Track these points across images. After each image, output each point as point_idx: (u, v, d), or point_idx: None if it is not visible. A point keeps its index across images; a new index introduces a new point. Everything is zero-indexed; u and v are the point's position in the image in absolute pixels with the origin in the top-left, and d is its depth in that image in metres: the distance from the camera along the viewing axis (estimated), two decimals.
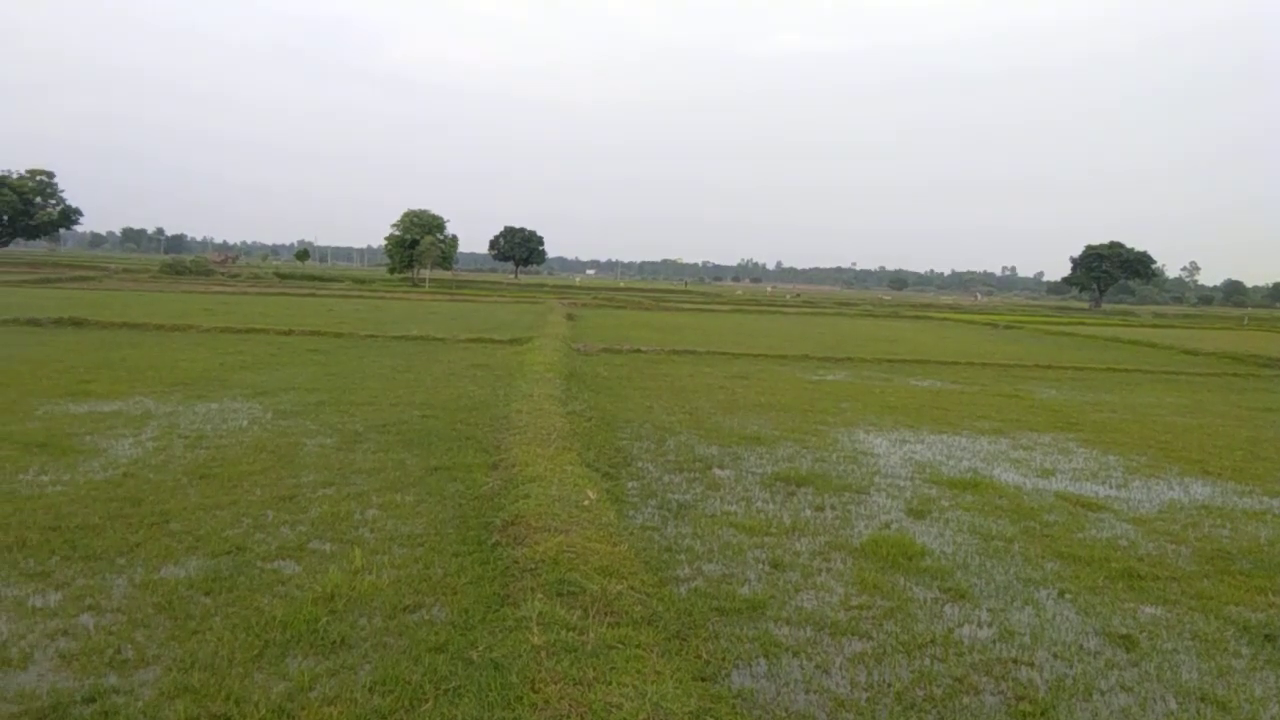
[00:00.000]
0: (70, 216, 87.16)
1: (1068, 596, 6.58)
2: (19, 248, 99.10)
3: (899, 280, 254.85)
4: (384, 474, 9.01)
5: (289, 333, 24.47)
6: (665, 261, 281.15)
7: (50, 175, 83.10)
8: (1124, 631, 5.95)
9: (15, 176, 79.98)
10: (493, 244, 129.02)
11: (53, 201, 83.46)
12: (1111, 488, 10.29)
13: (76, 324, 24.26)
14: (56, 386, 13.55)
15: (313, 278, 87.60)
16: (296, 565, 6.28)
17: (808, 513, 8.45)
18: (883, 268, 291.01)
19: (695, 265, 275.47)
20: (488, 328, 28.98)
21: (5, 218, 79.06)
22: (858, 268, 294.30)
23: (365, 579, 5.98)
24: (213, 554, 6.39)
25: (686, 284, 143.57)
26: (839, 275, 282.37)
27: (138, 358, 17.76)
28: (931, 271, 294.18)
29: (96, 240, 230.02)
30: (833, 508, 8.67)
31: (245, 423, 11.44)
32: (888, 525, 8.17)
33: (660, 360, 22.18)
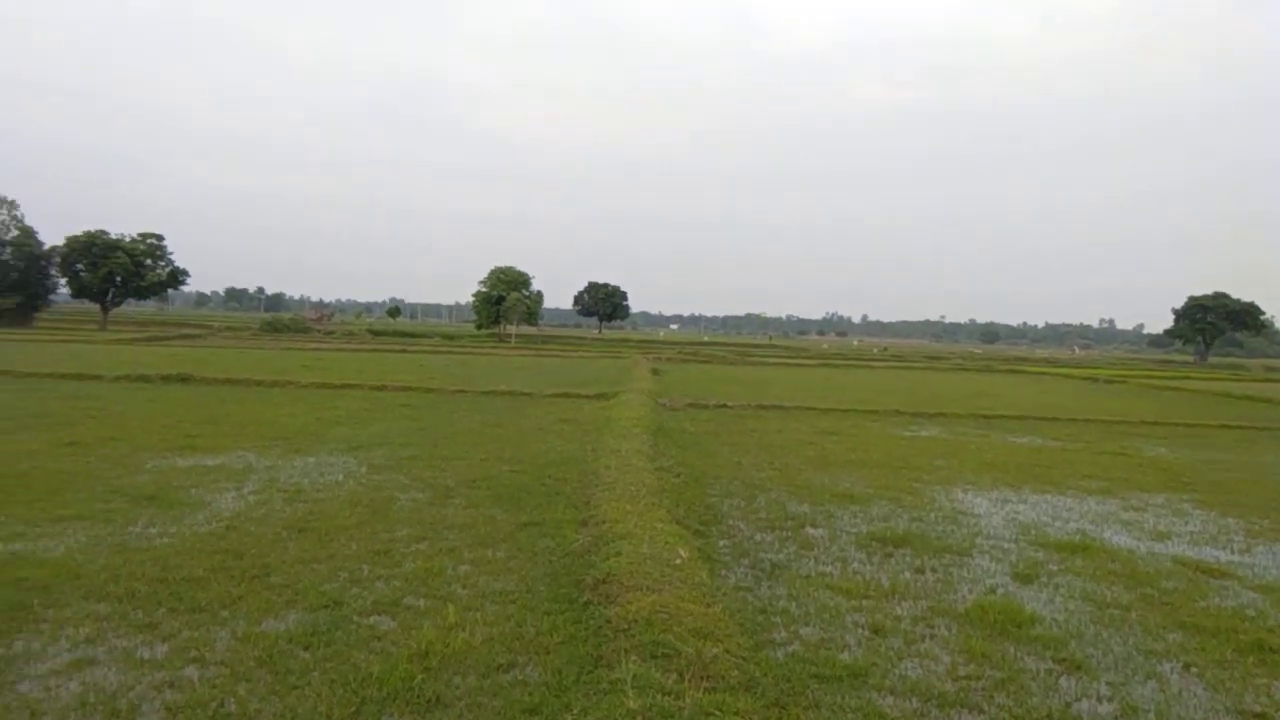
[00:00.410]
0: (178, 277, 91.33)
1: (1194, 670, 6.16)
2: (130, 307, 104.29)
3: (990, 333, 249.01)
4: (475, 529, 9.05)
5: (382, 388, 25.05)
6: (749, 315, 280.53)
7: (160, 238, 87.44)
8: (1258, 710, 5.54)
9: (128, 240, 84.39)
10: (577, 299, 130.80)
11: (162, 263, 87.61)
12: (1234, 553, 9.69)
13: (183, 380, 25.27)
14: (165, 441, 14.07)
15: (403, 334, 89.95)
16: (391, 621, 6.30)
17: (907, 575, 8.16)
18: (973, 320, 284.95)
19: (779, 319, 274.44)
20: (573, 383, 29.20)
21: (119, 279, 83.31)
22: (946, 321, 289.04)
23: (459, 636, 5.96)
24: (311, 608, 6.47)
25: (771, 338, 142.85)
26: (927, 329, 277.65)
27: (240, 413, 18.37)
28: (1025, 324, 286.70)
29: (202, 299, 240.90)
30: (933, 570, 8.36)
31: (341, 477, 11.66)
32: (993, 590, 7.83)
33: (747, 415, 21.97)
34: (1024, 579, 8.23)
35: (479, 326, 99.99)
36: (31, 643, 5.63)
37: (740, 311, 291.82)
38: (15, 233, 79.91)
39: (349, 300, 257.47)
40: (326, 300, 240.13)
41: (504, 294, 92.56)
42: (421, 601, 6.73)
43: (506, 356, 52.63)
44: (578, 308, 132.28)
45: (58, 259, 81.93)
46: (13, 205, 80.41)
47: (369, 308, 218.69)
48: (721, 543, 9.04)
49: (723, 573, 7.91)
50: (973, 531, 10.06)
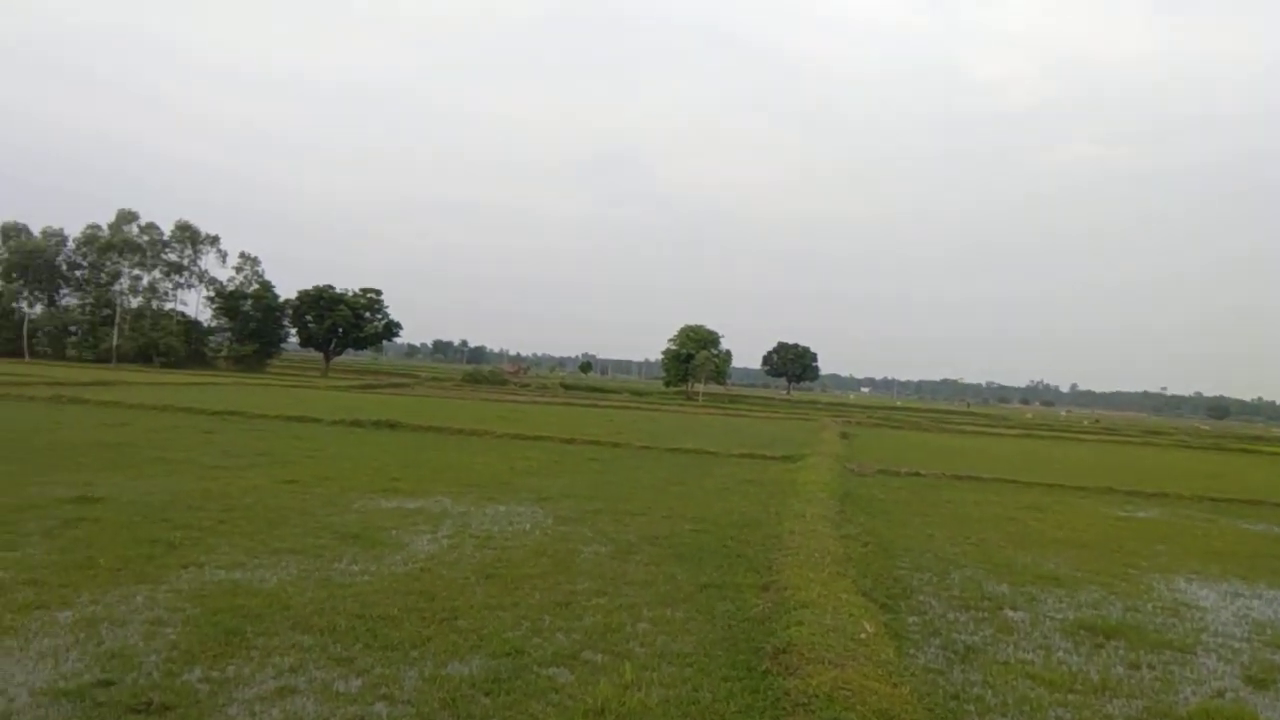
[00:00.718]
0: (392, 329, 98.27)
1: None
2: (349, 356, 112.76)
3: (1219, 408, 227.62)
4: (655, 587, 9.02)
5: (571, 441, 25.71)
6: (945, 381, 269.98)
7: (378, 293, 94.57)
8: None
9: (351, 294, 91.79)
10: (766, 360, 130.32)
11: (379, 316, 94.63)
12: None
13: (391, 426, 26.90)
14: (371, 483, 14.96)
15: (594, 389, 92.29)
16: (569, 674, 6.34)
17: (1120, 670, 7.43)
18: (1199, 393, 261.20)
19: (978, 385, 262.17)
20: (759, 443, 28.90)
21: (340, 330, 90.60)
22: (1168, 393, 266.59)
23: (634, 695, 5.91)
24: (494, 654, 6.60)
25: (969, 405, 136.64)
26: (1145, 400, 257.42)
27: (439, 459, 19.31)
28: (1260, 399, 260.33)
29: (412, 351, 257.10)
30: (1150, 667, 7.58)
31: (528, 526, 11.97)
32: (1221, 694, 7.00)
33: (941, 485, 20.98)
34: (1258, 684, 7.32)
35: (667, 384, 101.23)
36: (242, 668, 6.03)
37: (936, 376, 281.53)
38: (256, 286, 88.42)
39: (544, 355, 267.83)
40: (523, 354, 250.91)
41: (693, 352, 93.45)
42: (600, 656, 6.74)
43: (693, 414, 52.90)
44: (766, 368, 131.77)
45: (290, 311, 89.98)
46: (255, 261, 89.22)
47: (562, 362, 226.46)
48: (910, 619, 8.58)
49: (911, 651, 7.49)
50: (1197, 626, 9.07)
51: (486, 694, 5.85)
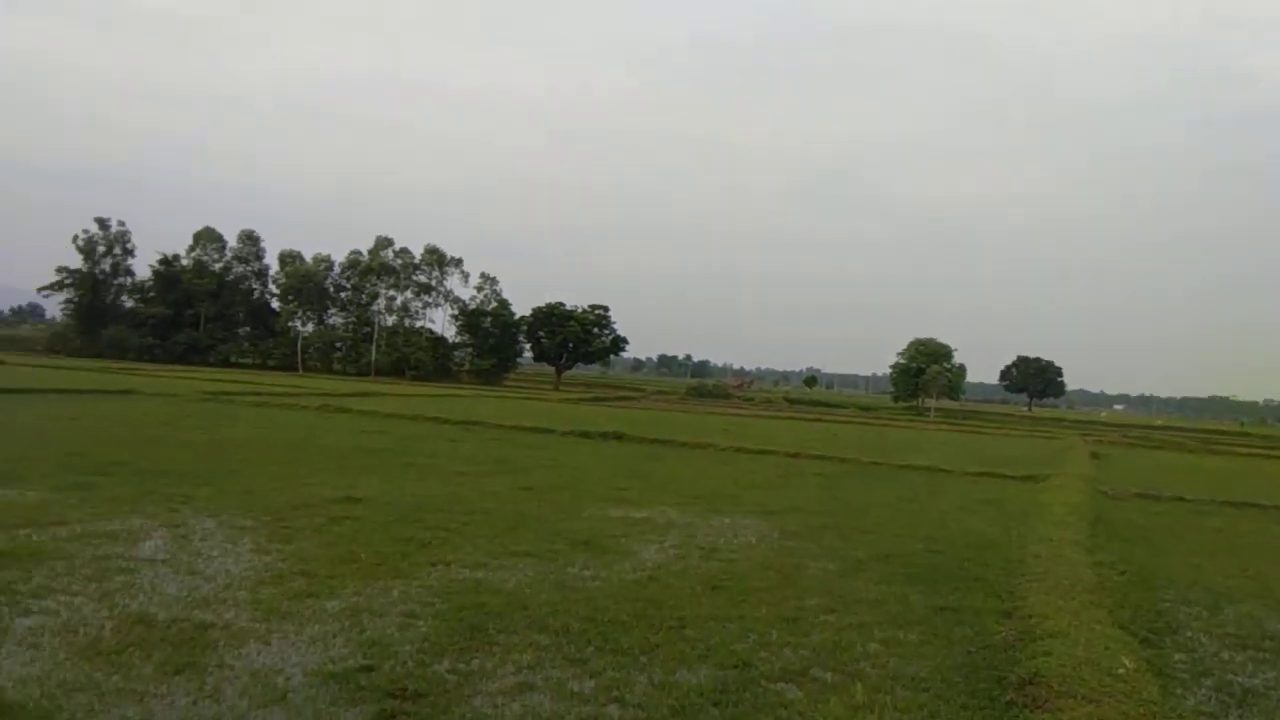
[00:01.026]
0: (619, 344, 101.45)
1: None
2: (579, 370, 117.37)
3: None
4: (886, 607, 8.69)
5: (796, 455, 25.39)
6: (1213, 398, 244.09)
7: (605, 309, 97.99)
8: None
9: (580, 310, 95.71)
10: (1004, 374, 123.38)
11: (606, 331, 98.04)
12: None
13: (618, 437, 27.66)
14: (599, 492, 15.42)
15: (819, 403, 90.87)
16: (798, 690, 6.21)
17: None
18: None
19: (1254, 403, 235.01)
20: (998, 462, 27.31)
21: (571, 345, 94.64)
22: None
23: (867, 717, 5.71)
24: (721, 665, 6.59)
25: (1243, 424, 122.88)
26: None
27: (664, 471, 19.64)
28: None
29: (638, 365, 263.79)
30: None
31: (754, 540, 11.90)
32: None
33: (1212, 512, 18.94)
34: None
35: (896, 399, 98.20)
36: (485, 662, 6.36)
37: (1203, 393, 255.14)
38: (494, 304, 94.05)
39: (767, 369, 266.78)
40: (747, 369, 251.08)
41: (923, 366, 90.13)
42: (829, 675, 6.57)
43: (924, 430, 50.90)
44: (1004, 383, 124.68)
45: (525, 327, 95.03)
46: (494, 281, 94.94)
47: (786, 376, 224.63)
48: (1176, 656, 7.78)
49: (1178, 692, 6.78)
50: None
51: (715, 704, 5.84)
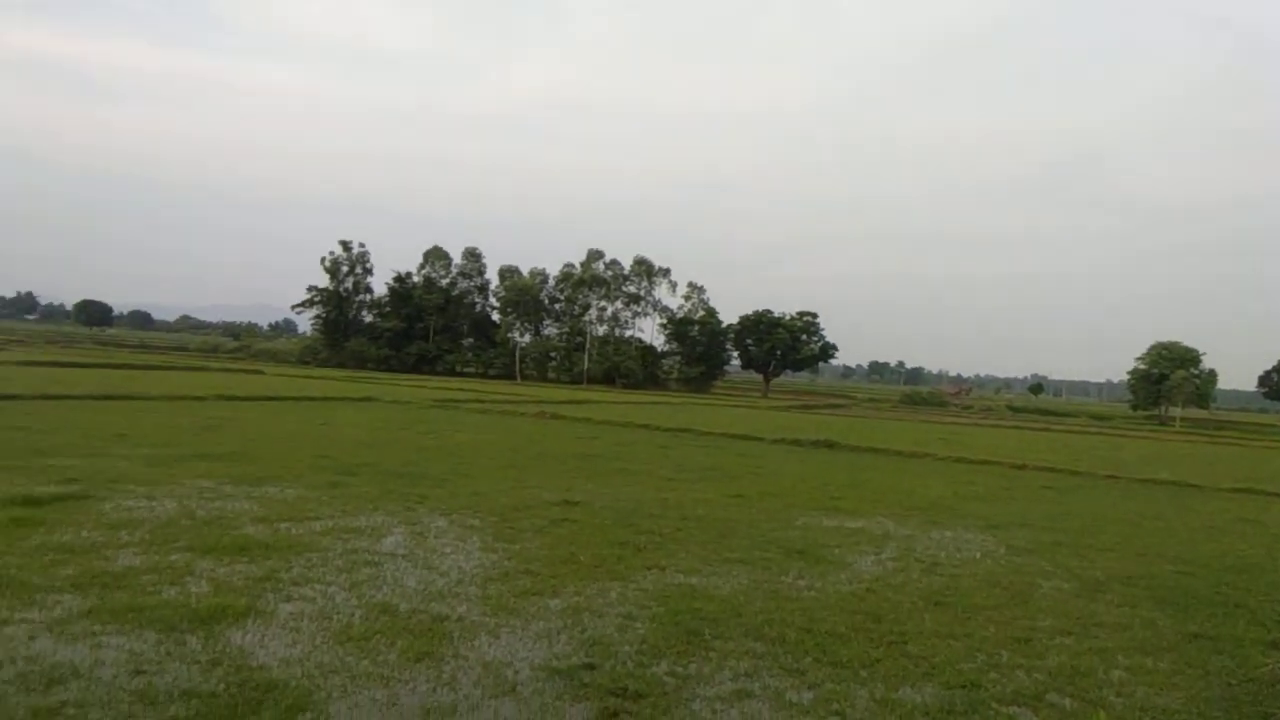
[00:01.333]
0: (828, 352, 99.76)
1: None
2: (786, 378, 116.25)
3: None
4: (1130, 632, 8.02)
5: (1021, 467, 23.98)
6: None
7: (814, 316, 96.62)
8: None
9: (788, 318, 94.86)
10: (1263, 380, 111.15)
11: (815, 339, 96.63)
12: None
13: (829, 446, 27.15)
14: (811, 500, 15.17)
15: (1045, 412, 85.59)
16: (1033, 715, 5.85)
17: None
18: None
19: None
20: (1259, 477, 24.64)
21: (779, 352, 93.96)
22: None
23: None
24: (947, 685, 6.30)
25: None
26: None
27: (879, 481, 19.07)
28: None
29: (847, 372, 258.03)
30: None
31: (978, 555, 11.33)
32: None
33: None
34: None
35: (1135, 407, 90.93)
36: (702, 667, 6.39)
37: None
38: (702, 313, 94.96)
39: (987, 375, 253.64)
40: (964, 375, 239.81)
41: (1166, 372, 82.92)
42: (1067, 701, 6.13)
43: (1167, 442, 46.77)
44: (1264, 390, 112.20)
45: (732, 335, 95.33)
46: (701, 290, 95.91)
47: (1008, 383, 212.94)
48: None
49: None
50: None
51: None
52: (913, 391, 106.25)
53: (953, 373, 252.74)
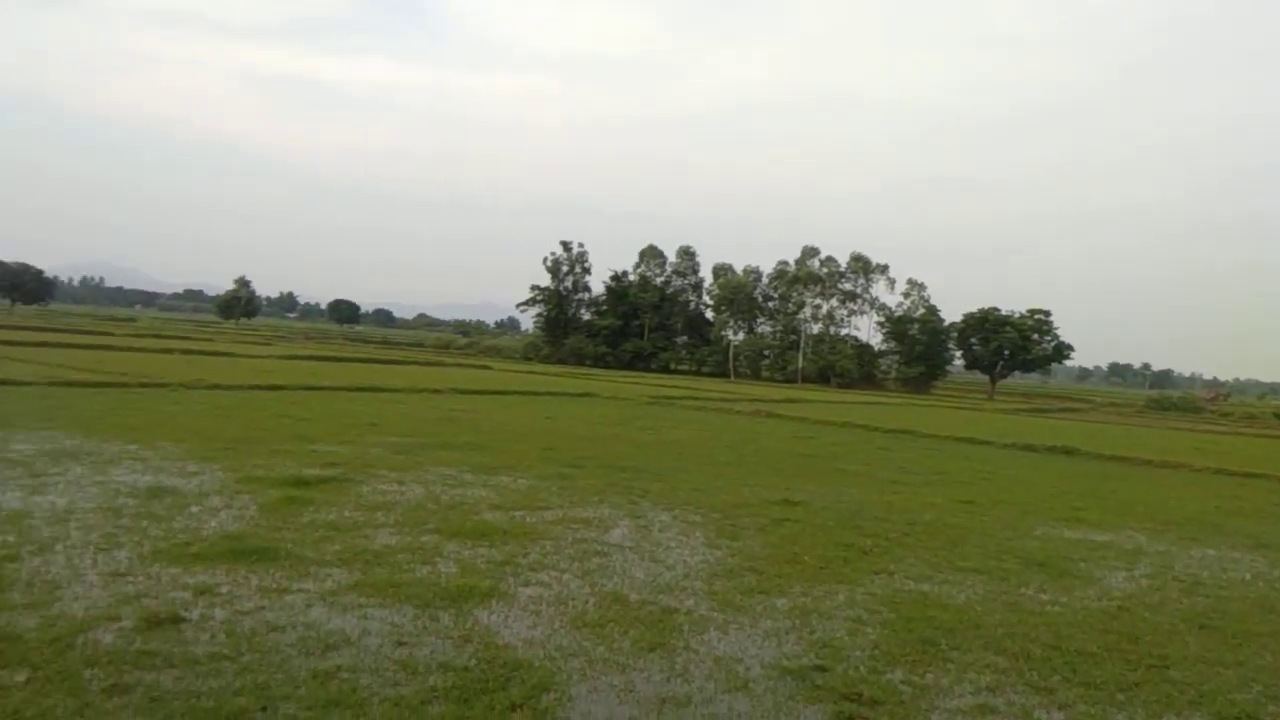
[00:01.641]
0: (1062, 352, 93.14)
1: None
2: (1015, 379, 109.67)
3: None
4: None
5: None
6: None
7: (1047, 314, 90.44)
8: None
9: (1017, 316, 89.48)
10: None
11: (1047, 338, 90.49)
12: None
13: (1067, 452, 25.39)
14: (1050, 510, 14.24)
15: None
16: None
17: None
18: None
19: None
20: None
21: (1007, 352, 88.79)
22: None
23: None
24: (1219, 716, 5.74)
25: None
26: None
27: (1126, 491, 17.64)
28: None
29: (1084, 374, 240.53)
30: None
31: (1248, 576, 10.25)
32: None
33: None
34: None
35: None
36: (940, 678, 6.13)
37: None
38: (922, 311, 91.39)
39: (1249, 379, 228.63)
40: (1221, 379, 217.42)
41: None
42: None
43: None
44: None
45: (955, 334, 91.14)
46: (921, 287, 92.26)
47: (1275, 388, 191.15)
48: None
49: None
50: None
51: None
52: (1161, 395, 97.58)
53: (1208, 376, 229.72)
